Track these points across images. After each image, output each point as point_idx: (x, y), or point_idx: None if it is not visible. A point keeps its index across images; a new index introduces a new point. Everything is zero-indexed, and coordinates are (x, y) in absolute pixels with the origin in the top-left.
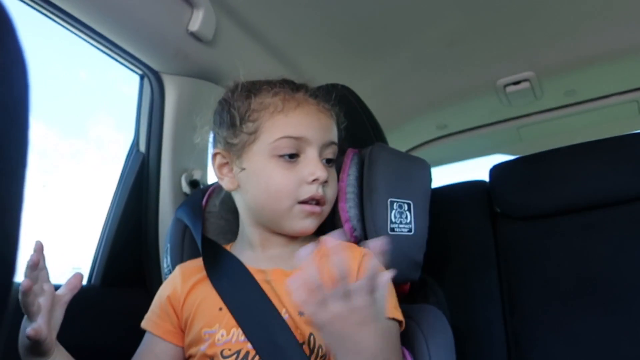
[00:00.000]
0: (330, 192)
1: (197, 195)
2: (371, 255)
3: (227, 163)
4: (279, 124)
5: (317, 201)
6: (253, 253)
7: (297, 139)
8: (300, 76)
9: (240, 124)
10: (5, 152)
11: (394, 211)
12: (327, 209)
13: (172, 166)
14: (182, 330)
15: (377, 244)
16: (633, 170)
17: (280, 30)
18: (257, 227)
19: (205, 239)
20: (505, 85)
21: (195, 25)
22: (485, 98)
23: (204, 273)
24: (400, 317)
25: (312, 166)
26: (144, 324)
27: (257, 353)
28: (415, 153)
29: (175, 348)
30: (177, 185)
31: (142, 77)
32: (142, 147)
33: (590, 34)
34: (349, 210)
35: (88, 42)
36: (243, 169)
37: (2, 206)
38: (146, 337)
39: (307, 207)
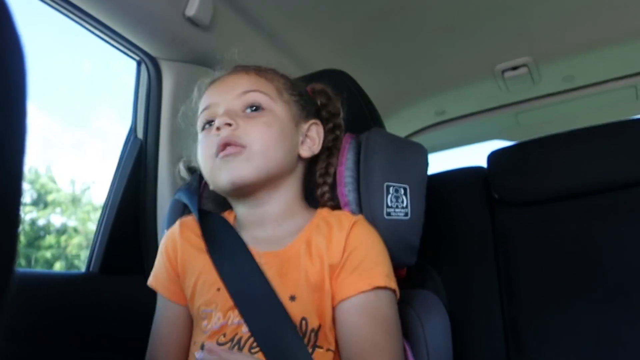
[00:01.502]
0: (248, 134)
1: (194, 180)
2: (361, 222)
3: None
4: (200, 109)
5: (227, 145)
6: (248, 233)
7: (206, 108)
8: (297, 62)
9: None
10: (3, 140)
11: (390, 195)
12: (250, 149)
13: (169, 152)
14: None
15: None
16: (632, 155)
17: (277, 16)
18: (237, 208)
19: (203, 212)
20: (504, 71)
21: (192, 10)
22: (483, 84)
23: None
24: (393, 285)
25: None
26: (151, 282)
27: (252, 336)
28: (414, 139)
29: (186, 310)
30: (175, 171)
31: (139, 63)
32: (140, 134)
33: (588, 19)
34: (347, 195)
35: (85, 27)
36: None
37: (1, 193)
38: (159, 299)
39: (220, 155)
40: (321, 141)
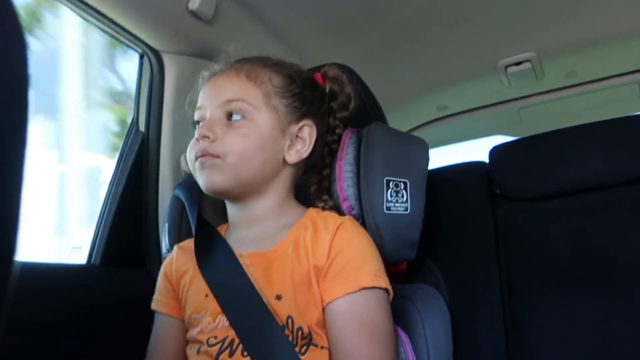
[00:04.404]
0: (223, 146)
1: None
2: (347, 223)
3: None
4: (197, 102)
5: (203, 156)
6: (237, 234)
7: (198, 108)
8: (300, 55)
9: None
10: (5, 132)
11: (390, 190)
12: (224, 161)
13: (171, 145)
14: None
15: None
16: (634, 152)
17: (280, 9)
18: (228, 208)
19: (200, 221)
20: (507, 66)
21: (195, 3)
22: (486, 79)
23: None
24: (382, 284)
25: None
26: (153, 306)
27: (240, 340)
28: (416, 134)
29: (184, 323)
30: (176, 164)
31: (141, 56)
32: (142, 127)
33: (591, 15)
34: (346, 190)
35: (87, 19)
36: None
37: (2, 185)
38: (159, 319)
39: (197, 162)
40: (312, 143)
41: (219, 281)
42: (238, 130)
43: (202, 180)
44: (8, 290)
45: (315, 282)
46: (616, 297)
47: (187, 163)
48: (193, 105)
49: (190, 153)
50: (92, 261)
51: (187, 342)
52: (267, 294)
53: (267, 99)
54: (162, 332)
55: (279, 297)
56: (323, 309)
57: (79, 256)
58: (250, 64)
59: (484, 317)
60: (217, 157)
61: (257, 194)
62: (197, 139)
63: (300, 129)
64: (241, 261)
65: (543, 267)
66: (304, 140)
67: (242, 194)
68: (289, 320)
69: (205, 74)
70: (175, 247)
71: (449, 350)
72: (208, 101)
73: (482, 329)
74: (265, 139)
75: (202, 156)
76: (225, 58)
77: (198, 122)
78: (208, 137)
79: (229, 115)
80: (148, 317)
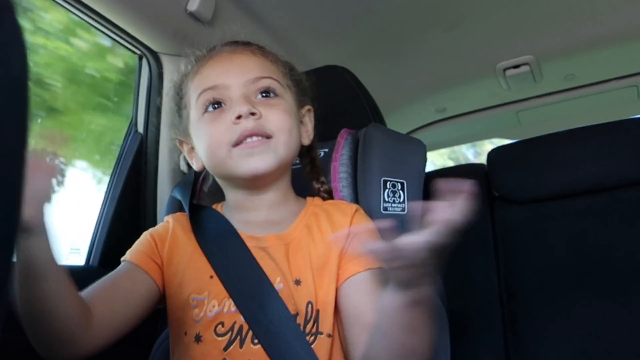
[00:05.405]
0: (272, 123)
1: (191, 175)
2: (362, 210)
3: (192, 147)
4: (196, 84)
5: (253, 135)
6: (241, 216)
7: (212, 88)
8: (299, 58)
9: (179, 106)
10: (4, 132)
11: (387, 190)
12: (277, 140)
13: (170, 147)
14: (162, 271)
15: (384, 223)
16: (632, 155)
17: (279, 11)
18: (233, 193)
19: (194, 205)
20: (505, 69)
21: (194, 5)
22: (484, 82)
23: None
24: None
25: (234, 106)
26: (127, 257)
27: (249, 327)
28: (414, 136)
29: (155, 288)
30: (175, 165)
31: (140, 58)
32: (140, 128)
33: (590, 17)
34: (341, 190)
35: (87, 21)
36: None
37: (2, 186)
38: (129, 268)
39: (243, 146)
40: (313, 128)
41: (223, 262)
42: (279, 107)
43: (248, 165)
44: (8, 292)
45: (334, 264)
46: (613, 298)
47: (185, 164)
48: (178, 93)
49: (221, 136)
50: (90, 262)
51: (149, 306)
52: (287, 278)
53: (285, 79)
54: (128, 281)
55: (297, 282)
56: (337, 289)
57: (78, 257)
58: (257, 46)
59: (483, 318)
60: (269, 137)
61: (278, 177)
62: (238, 117)
63: (304, 114)
64: (254, 243)
65: (541, 268)
66: (306, 125)
67: (277, 176)
68: (309, 306)
69: (198, 52)
70: (170, 218)
71: (448, 352)
72: (231, 79)
73: (481, 329)
74: (296, 117)
75: (250, 137)
76: (234, 42)
77: (216, 104)
78: (254, 114)
79: (259, 93)
80: (148, 317)
